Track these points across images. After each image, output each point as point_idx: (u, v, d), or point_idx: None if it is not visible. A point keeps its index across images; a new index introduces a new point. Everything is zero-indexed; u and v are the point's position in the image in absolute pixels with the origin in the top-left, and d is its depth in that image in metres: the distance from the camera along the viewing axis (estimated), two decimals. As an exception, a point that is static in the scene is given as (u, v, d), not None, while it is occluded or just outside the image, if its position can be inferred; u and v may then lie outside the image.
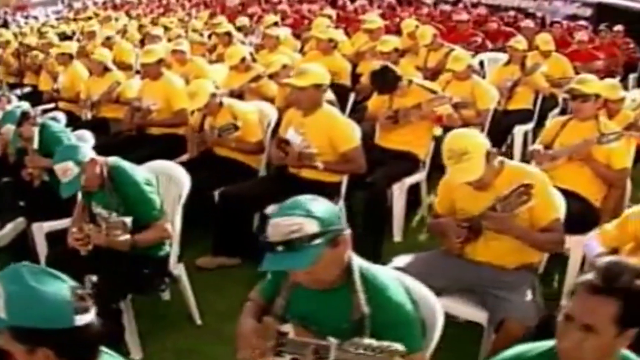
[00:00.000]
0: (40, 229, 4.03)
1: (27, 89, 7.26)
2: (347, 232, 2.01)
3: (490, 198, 2.92)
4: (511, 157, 4.94)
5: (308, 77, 4.04)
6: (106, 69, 5.98)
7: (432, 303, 2.27)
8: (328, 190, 4.13)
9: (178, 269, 3.55)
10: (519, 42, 6.60)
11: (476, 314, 2.99)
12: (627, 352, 1.73)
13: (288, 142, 4.17)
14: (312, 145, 4.06)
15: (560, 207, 3.12)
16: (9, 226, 4.04)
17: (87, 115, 5.95)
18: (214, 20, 9.51)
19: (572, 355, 1.68)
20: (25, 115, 4.28)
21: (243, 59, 6.00)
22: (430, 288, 2.92)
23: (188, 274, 3.70)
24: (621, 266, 1.65)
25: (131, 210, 3.20)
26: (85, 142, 4.45)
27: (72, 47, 6.78)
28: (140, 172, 3.37)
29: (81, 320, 1.57)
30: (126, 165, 3.37)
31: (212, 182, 4.44)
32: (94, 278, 3.35)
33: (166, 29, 9.56)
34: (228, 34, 7.80)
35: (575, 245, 3.61)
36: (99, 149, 4.40)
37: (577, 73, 7.29)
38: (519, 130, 6.23)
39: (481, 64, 7.78)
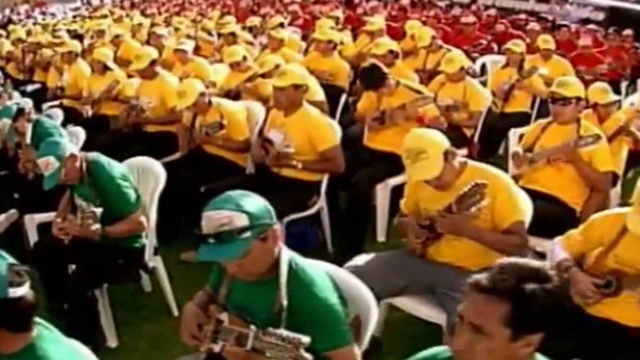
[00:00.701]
0: (32, 220, 4.20)
1: (36, 86, 7.47)
2: (277, 227, 2.11)
3: (450, 198, 2.93)
4: (507, 161, 4.97)
5: (287, 77, 4.14)
6: (106, 68, 6.14)
7: (367, 299, 2.33)
8: (308, 189, 4.27)
9: (155, 261, 3.67)
10: (517, 44, 6.63)
11: (435, 315, 2.99)
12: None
13: (271, 142, 4.28)
14: (292, 145, 4.15)
15: (524, 210, 3.10)
16: (2, 217, 4.23)
17: (89, 112, 6.11)
18: (222, 21, 9.65)
19: (464, 357, 1.63)
20: (20, 111, 4.46)
21: (244, 58, 6.12)
22: (389, 287, 3.04)
23: (173, 267, 3.82)
24: (515, 267, 1.59)
25: (107, 202, 3.34)
26: (77, 138, 4.64)
27: (76, 45, 6.95)
28: (117, 167, 3.51)
29: (15, 292, 1.72)
30: (104, 160, 3.52)
31: (199, 178, 4.56)
32: (73, 266, 3.51)
33: (177, 29, 9.75)
34: (233, 34, 7.94)
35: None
36: (98, 145, 4.63)
37: (580, 77, 7.36)
38: (514, 133, 6.22)
39: (483, 66, 7.84)
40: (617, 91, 6.63)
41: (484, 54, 8.48)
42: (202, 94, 4.71)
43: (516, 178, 4.19)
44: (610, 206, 4.23)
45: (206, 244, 2.03)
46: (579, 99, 4.14)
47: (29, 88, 7.50)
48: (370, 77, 4.77)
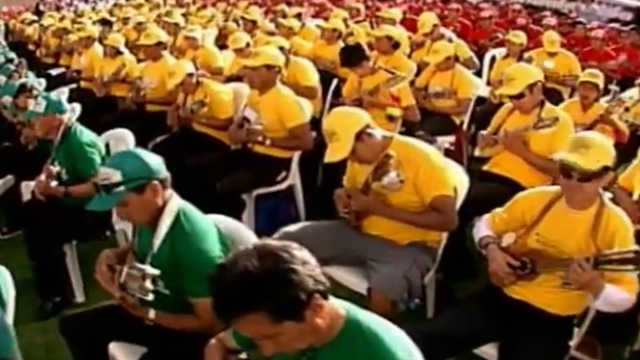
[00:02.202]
0: (28, 187, 4.55)
1: (61, 70, 7.92)
2: (156, 182, 2.37)
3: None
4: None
5: (260, 58, 4.38)
6: (119, 52, 6.51)
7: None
8: (276, 165, 4.49)
9: (122, 224, 3.95)
10: (517, 35, 6.70)
11: (359, 284, 3.05)
12: (352, 309, 1.70)
13: (248, 120, 4.53)
14: (264, 122, 4.39)
15: (450, 186, 3.08)
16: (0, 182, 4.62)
17: (101, 93, 6.49)
18: (248, 10, 9.98)
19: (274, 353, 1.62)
20: (22, 88, 4.84)
21: (247, 45, 6.39)
22: (315, 255, 3.17)
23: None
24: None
25: (74, 165, 3.71)
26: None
27: (93, 31, 7.37)
28: (88, 135, 3.85)
29: None
30: (77, 127, 3.86)
31: (187, 153, 4.85)
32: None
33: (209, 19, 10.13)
34: (253, 22, 8.25)
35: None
36: (105, 123, 4.98)
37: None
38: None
39: (493, 58, 7.89)
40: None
41: (498, 47, 8.54)
42: (190, 75, 4.99)
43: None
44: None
45: (97, 195, 2.36)
46: (531, 86, 3.95)
47: (54, 72, 7.95)
48: (349, 54, 4.98)
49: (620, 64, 7.63)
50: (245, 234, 2.68)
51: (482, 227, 2.86)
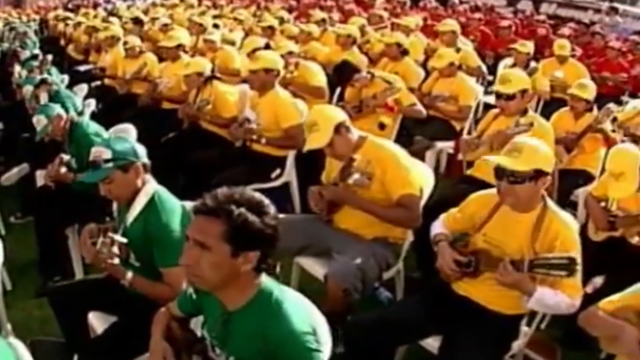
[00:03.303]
0: (41, 175, 4.89)
1: (89, 66, 8.30)
2: (139, 164, 2.68)
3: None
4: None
5: (259, 62, 4.67)
6: (141, 52, 6.86)
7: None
8: (271, 162, 4.75)
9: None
10: (523, 45, 6.84)
11: (322, 273, 3.19)
12: (269, 283, 1.92)
13: (249, 119, 4.81)
14: (261, 122, 4.66)
15: (417, 185, 3.28)
16: (15, 169, 4.98)
17: (122, 90, 6.85)
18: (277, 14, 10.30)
19: (193, 272, 1.86)
20: (43, 81, 5.19)
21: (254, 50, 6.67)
22: (290, 244, 3.34)
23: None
24: (233, 194, 1.84)
25: (80, 154, 3.99)
26: (89, 107, 5.36)
27: (118, 30, 7.76)
28: (93, 127, 4.17)
29: None
30: (84, 122, 4.19)
31: (193, 148, 5.15)
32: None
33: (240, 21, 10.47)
34: (271, 27, 8.55)
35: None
36: (124, 118, 5.31)
37: (603, 81, 7.44)
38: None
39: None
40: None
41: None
42: (199, 74, 5.29)
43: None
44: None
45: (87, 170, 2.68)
46: (523, 92, 4.23)
47: (82, 68, 8.36)
48: (340, 72, 5.25)
49: (629, 76, 7.67)
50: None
51: (438, 225, 3.02)
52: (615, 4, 12.93)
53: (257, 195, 1.90)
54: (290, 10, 12.60)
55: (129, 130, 4.46)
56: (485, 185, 4.07)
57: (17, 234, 4.74)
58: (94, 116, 5.47)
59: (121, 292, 2.64)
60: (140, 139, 4.82)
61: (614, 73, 7.74)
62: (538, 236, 2.63)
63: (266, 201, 1.90)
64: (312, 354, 1.83)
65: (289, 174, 4.82)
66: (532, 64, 6.96)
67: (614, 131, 5.07)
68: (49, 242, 4.04)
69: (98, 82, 7.41)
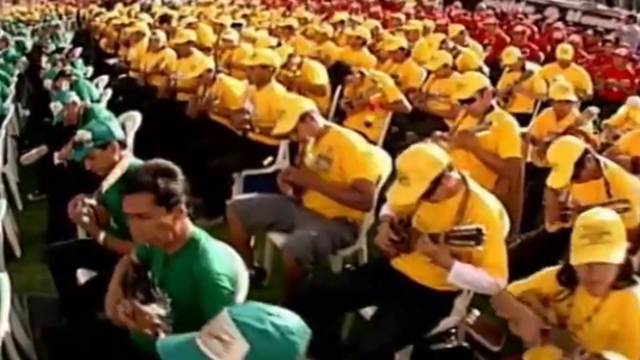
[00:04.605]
0: (58, 155, 5.41)
1: (117, 60, 8.85)
2: (115, 142, 3.16)
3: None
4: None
5: (257, 58, 5.11)
6: (162, 47, 7.36)
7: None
8: (263, 150, 5.17)
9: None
10: (508, 55, 7.12)
11: None
12: (199, 232, 2.37)
13: (248, 111, 5.24)
14: (257, 113, 5.09)
15: (372, 172, 3.58)
16: (34, 150, 5.48)
17: (142, 82, 7.35)
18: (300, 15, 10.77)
19: (145, 238, 2.34)
20: (62, 73, 5.71)
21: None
22: (260, 220, 3.79)
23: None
24: (144, 169, 2.32)
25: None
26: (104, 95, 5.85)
27: (143, 26, 8.28)
28: (103, 112, 4.66)
29: None
30: (95, 107, 4.69)
31: (201, 137, 5.60)
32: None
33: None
34: (289, 27, 8.99)
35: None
36: (143, 109, 5.77)
37: (608, 87, 7.69)
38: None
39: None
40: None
41: (531, 61, 8.91)
42: (209, 70, 5.73)
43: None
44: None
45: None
46: (481, 91, 4.35)
47: (111, 61, 8.91)
48: (334, 71, 5.66)
49: (631, 82, 7.86)
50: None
51: (384, 208, 3.26)
52: (635, 13, 12.98)
53: (166, 162, 2.35)
54: (322, 11, 13.06)
55: (135, 117, 4.93)
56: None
57: (33, 210, 5.27)
58: (115, 105, 5.98)
59: (101, 251, 3.08)
60: (153, 128, 5.37)
61: (619, 79, 7.93)
62: (462, 218, 2.84)
63: (172, 165, 2.34)
64: (223, 291, 2.23)
65: (281, 162, 5.22)
66: (528, 66, 7.19)
67: (595, 133, 5.35)
68: (58, 213, 4.50)
69: (124, 75, 7.93)
